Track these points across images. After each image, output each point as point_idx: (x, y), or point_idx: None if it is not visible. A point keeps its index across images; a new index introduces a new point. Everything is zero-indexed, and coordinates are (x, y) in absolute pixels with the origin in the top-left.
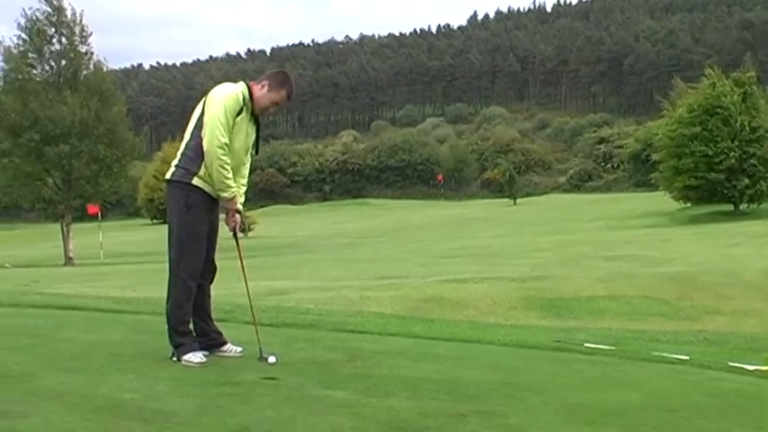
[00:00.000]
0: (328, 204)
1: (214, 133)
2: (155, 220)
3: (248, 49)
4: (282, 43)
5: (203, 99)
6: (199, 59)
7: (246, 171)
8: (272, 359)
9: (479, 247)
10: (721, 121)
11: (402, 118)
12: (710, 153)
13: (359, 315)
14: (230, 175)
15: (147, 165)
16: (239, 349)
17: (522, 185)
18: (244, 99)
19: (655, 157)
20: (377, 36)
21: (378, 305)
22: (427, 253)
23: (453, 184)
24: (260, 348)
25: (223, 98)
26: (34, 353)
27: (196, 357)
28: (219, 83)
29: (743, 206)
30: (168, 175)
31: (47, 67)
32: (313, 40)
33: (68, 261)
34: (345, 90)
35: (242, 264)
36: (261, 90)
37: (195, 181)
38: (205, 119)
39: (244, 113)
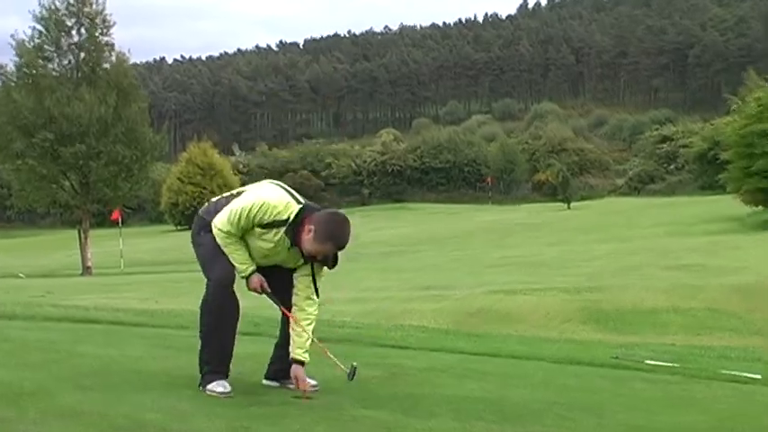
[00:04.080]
0: (366, 209)
1: (222, 220)
2: (179, 227)
3: (280, 41)
4: (316, 34)
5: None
6: (226, 53)
7: (304, 304)
8: (313, 382)
9: (530, 256)
10: None
11: (446, 115)
12: None
13: (399, 329)
14: (239, 256)
15: (170, 166)
16: (314, 383)
17: (576, 188)
18: (286, 222)
19: (723, 156)
20: (418, 26)
21: (420, 318)
22: (474, 262)
23: (502, 187)
24: (342, 367)
25: (256, 201)
26: (50, 369)
27: (219, 387)
28: (248, 78)
29: None
30: (200, 210)
31: (64, 61)
32: (349, 31)
33: (86, 270)
34: (384, 85)
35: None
36: (307, 234)
37: None
38: (231, 203)
39: (278, 236)
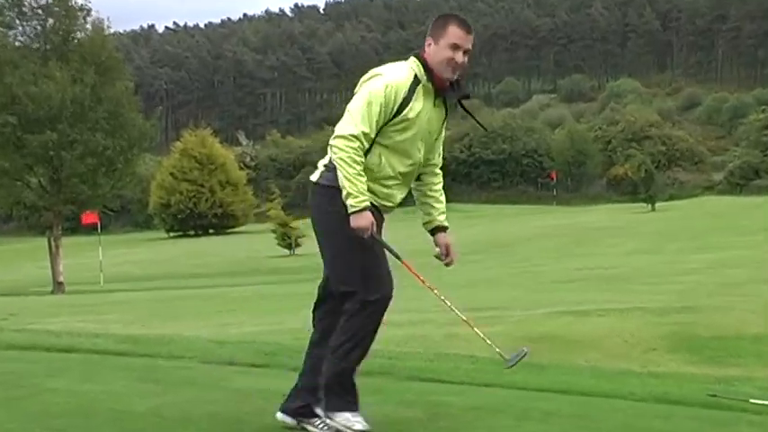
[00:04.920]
0: (402, 211)
1: (350, 121)
2: (171, 233)
3: (295, 5)
4: None
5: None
6: (229, 19)
7: (434, 179)
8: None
9: (606, 268)
10: None
11: (500, 95)
12: None
13: (443, 359)
14: (360, 182)
15: (161, 159)
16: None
17: (662, 185)
18: (416, 81)
19: None
20: None
21: (468, 346)
22: (535, 275)
23: (570, 184)
24: (499, 353)
25: (379, 86)
26: (13, 409)
27: (359, 424)
28: (256, 50)
29: None
30: (314, 178)
31: (28, 29)
32: None
33: (57, 287)
34: None
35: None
36: (428, 51)
37: None
38: (348, 111)
39: (414, 104)
